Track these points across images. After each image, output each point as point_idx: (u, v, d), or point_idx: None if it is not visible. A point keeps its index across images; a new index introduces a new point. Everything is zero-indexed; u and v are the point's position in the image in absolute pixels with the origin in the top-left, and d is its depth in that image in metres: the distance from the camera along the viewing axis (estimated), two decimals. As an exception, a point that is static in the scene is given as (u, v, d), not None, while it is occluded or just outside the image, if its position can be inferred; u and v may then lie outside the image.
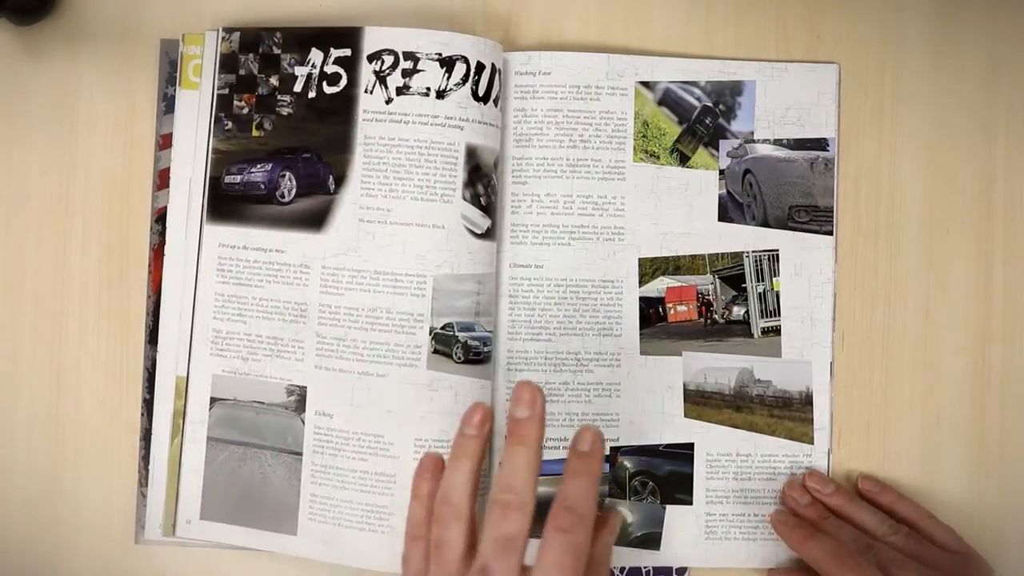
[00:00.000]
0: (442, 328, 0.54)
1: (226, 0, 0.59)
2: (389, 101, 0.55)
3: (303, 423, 0.56)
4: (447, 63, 0.55)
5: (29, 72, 0.59)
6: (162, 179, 0.58)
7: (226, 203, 0.57)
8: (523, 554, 0.43)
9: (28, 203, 0.59)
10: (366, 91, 0.56)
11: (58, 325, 0.58)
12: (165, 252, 0.57)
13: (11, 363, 0.58)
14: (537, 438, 0.44)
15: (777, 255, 0.58)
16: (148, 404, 0.57)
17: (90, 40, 0.59)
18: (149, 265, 0.58)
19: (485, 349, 0.55)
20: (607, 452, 0.56)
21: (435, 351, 0.54)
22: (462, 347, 0.55)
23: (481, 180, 0.55)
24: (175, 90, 0.58)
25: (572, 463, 0.44)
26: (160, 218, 0.58)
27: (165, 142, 0.58)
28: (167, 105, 0.58)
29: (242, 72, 0.57)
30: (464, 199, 0.55)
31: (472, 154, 0.55)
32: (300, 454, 0.56)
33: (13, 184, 0.59)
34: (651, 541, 0.57)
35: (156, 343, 0.57)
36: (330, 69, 0.56)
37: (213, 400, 0.56)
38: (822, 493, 0.55)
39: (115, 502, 0.58)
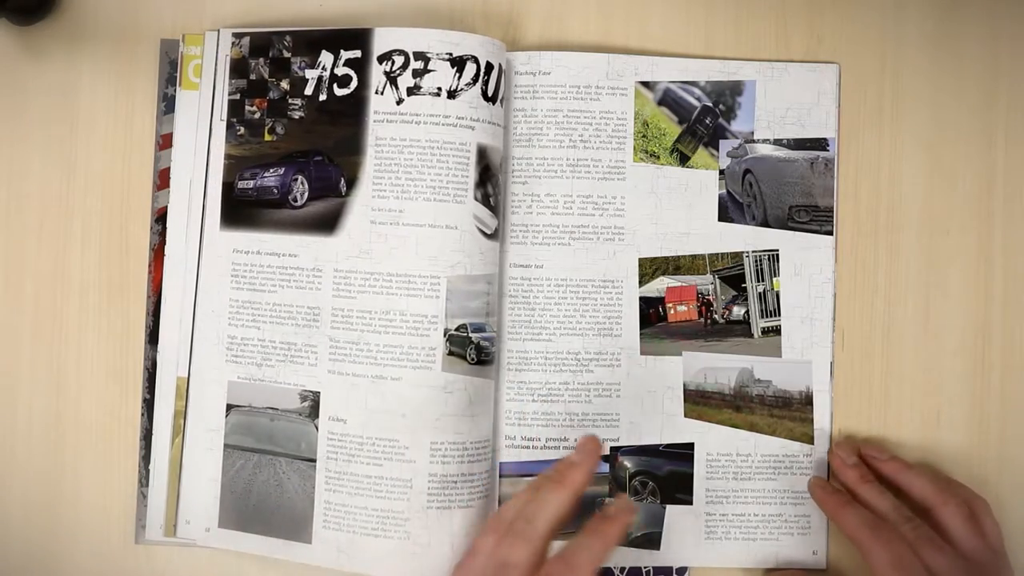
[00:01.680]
0: (456, 329, 0.54)
1: (226, 1, 0.59)
2: (400, 102, 0.55)
3: (317, 429, 0.55)
4: (458, 63, 0.54)
5: (29, 72, 0.59)
6: (162, 179, 0.58)
7: (239, 209, 0.57)
8: None
9: (28, 203, 0.59)
10: (377, 92, 0.55)
11: (58, 325, 0.58)
12: (165, 253, 0.57)
13: (11, 363, 0.58)
14: (575, 484, 0.48)
15: (777, 255, 0.58)
16: (148, 404, 0.57)
17: (90, 40, 0.59)
18: (149, 265, 0.58)
19: (493, 349, 0.55)
20: (607, 452, 0.57)
21: (449, 353, 0.54)
22: (475, 348, 0.54)
23: (491, 180, 0.55)
24: (175, 90, 0.58)
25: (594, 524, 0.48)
26: (160, 218, 0.58)
27: (165, 142, 0.58)
28: (167, 105, 0.58)
29: (253, 77, 0.57)
30: (476, 199, 0.55)
31: (483, 154, 0.55)
32: (314, 461, 0.55)
33: (13, 184, 0.59)
34: (651, 541, 0.57)
35: (156, 343, 0.57)
36: (340, 71, 0.56)
37: (229, 407, 0.56)
38: (878, 460, 0.55)
39: (115, 502, 0.58)
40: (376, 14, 0.58)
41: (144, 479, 0.57)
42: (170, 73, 0.58)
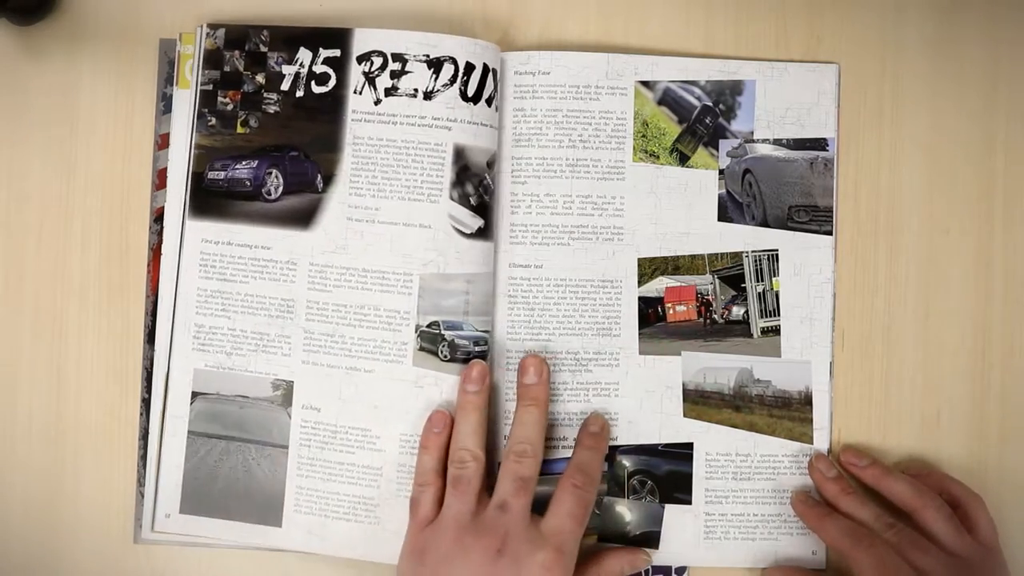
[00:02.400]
0: (428, 326, 0.55)
1: (225, 1, 0.59)
2: (378, 102, 0.55)
3: (289, 417, 0.56)
4: (435, 64, 0.55)
5: (29, 72, 0.59)
6: (161, 179, 0.58)
7: (208, 199, 0.57)
8: (533, 496, 0.51)
9: (28, 203, 0.59)
10: (355, 92, 0.56)
11: (58, 325, 0.58)
12: (162, 252, 0.57)
13: (11, 363, 0.58)
14: (545, 399, 0.53)
15: (777, 255, 0.58)
16: (147, 404, 0.57)
17: (90, 40, 0.59)
18: (149, 265, 0.58)
19: (476, 348, 0.55)
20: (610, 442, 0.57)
21: (421, 348, 0.55)
22: (448, 345, 0.55)
23: (471, 180, 0.55)
24: (173, 90, 0.58)
25: (584, 440, 0.54)
26: (159, 218, 0.58)
27: (164, 142, 0.58)
28: (166, 105, 0.58)
29: (227, 68, 0.57)
30: (452, 199, 0.55)
31: (460, 154, 0.55)
32: (286, 447, 0.56)
33: (13, 184, 0.59)
34: (650, 540, 0.56)
35: (155, 343, 0.57)
36: (319, 69, 0.56)
37: (195, 395, 0.56)
38: (857, 467, 0.55)
39: (115, 502, 0.58)
40: (374, 15, 0.58)
41: (143, 479, 0.57)
42: (169, 73, 0.58)
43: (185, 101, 0.57)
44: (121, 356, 0.58)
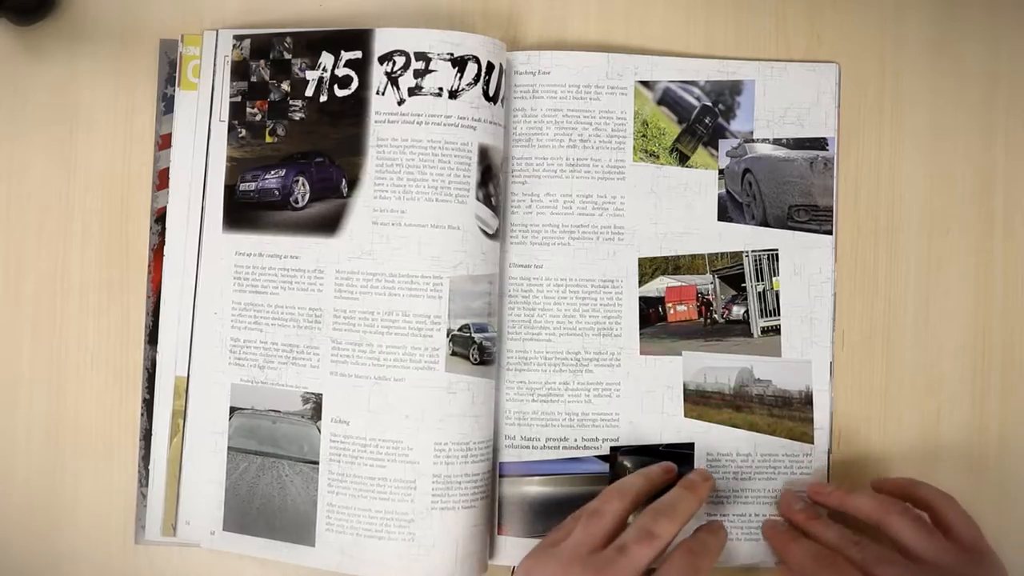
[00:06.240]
0: (459, 330, 0.54)
1: (225, 1, 0.59)
2: (401, 102, 0.55)
3: (319, 431, 0.55)
4: (459, 63, 0.54)
5: (29, 72, 0.59)
6: (161, 179, 0.58)
7: (241, 211, 0.57)
8: (657, 555, 0.48)
9: (28, 203, 0.59)
10: (378, 93, 0.55)
11: (58, 325, 0.58)
12: (165, 253, 0.57)
13: (11, 364, 0.58)
14: (702, 497, 0.53)
15: (777, 255, 0.58)
16: (148, 404, 0.57)
17: (90, 40, 0.59)
18: (149, 265, 0.58)
19: (494, 349, 0.55)
20: (606, 452, 0.57)
21: (452, 353, 0.54)
22: (478, 348, 0.54)
23: (492, 180, 0.55)
24: (174, 90, 0.58)
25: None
26: (160, 218, 0.58)
27: (164, 142, 0.58)
28: (166, 105, 0.58)
29: (254, 79, 0.57)
30: (477, 199, 0.55)
31: (484, 154, 0.55)
32: (317, 463, 0.55)
33: (13, 184, 0.59)
34: (651, 541, 0.56)
35: (156, 343, 0.57)
36: (341, 72, 0.56)
37: (233, 410, 0.56)
38: (822, 495, 0.55)
39: (115, 502, 0.58)
40: (375, 14, 0.58)
41: (144, 479, 0.57)
42: (169, 73, 0.58)
43: (190, 103, 0.57)
44: (121, 356, 0.58)
